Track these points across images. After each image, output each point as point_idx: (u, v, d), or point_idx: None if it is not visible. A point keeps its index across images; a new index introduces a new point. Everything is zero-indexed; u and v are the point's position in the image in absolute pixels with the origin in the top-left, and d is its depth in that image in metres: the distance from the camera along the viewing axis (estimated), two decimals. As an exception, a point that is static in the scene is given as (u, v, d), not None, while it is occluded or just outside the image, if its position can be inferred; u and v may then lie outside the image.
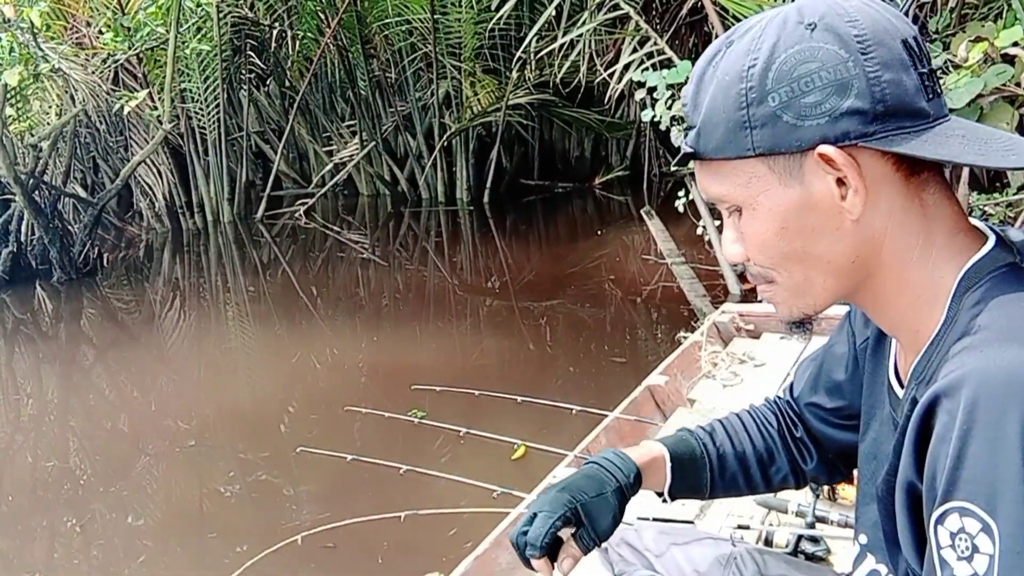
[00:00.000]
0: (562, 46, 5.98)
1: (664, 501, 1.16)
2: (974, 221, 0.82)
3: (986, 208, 4.47)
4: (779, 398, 1.22)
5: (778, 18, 0.77)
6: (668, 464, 1.14)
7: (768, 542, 1.62)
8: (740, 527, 1.70)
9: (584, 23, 5.61)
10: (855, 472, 1.06)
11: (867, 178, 0.76)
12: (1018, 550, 0.64)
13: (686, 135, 0.84)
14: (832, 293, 0.83)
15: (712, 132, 0.79)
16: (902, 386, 0.88)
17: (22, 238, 6.92)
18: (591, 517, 1.03)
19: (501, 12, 6.38)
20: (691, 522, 1.73)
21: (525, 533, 1.02)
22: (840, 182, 0.76)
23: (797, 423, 1.17)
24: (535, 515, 1.03)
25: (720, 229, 5.48)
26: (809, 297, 0.84)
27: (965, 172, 3.68)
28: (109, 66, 8.03)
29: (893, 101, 0.74)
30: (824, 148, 0.75)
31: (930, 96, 0.76)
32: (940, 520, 0.70)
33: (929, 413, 0.72)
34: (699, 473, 1.15)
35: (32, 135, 6.81)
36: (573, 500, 1.03)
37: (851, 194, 0.76)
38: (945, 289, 0.78)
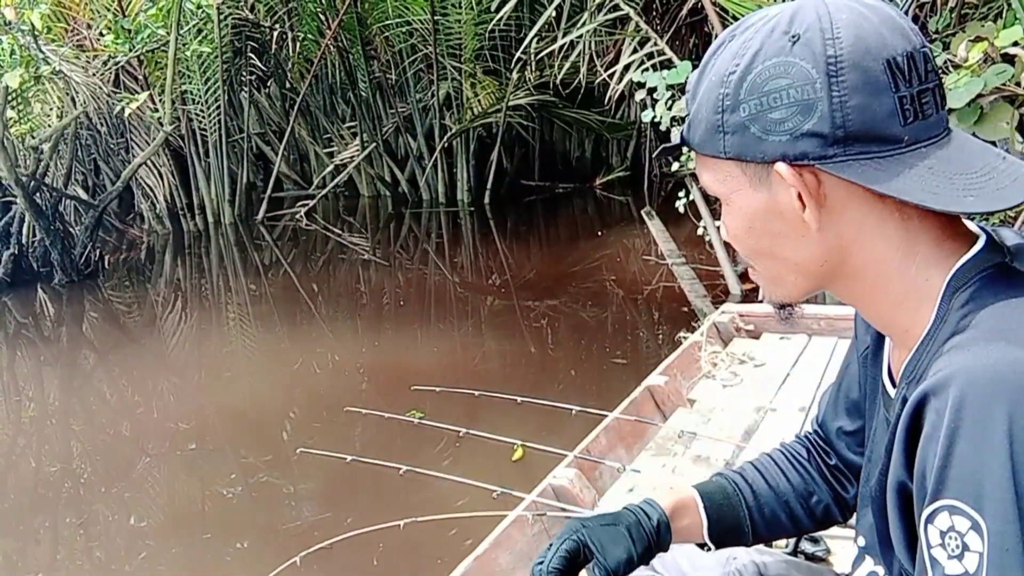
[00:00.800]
0: (562, 47, 5.99)
1: (708, 549, 1.13)
2: (967, 223, 0.82)
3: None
4: (808, 432, 1.19)
5: (772, 21, 0.77)
6: (700, 503, 1.11)
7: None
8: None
9: (584, 24, 5.61)
10: None
11: (831, 195, 0.77)
12: (1006, 547, 0.65)
13: (684, 121, 0.86)
14: (804, 289, 0.85)
15: (697, 127, 0.82)
16: (895, 386, 0.88)
17: (23, 240, 6.93)
18: (601, 546, 1.02)
19: (501, 13, 6.39)
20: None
21: (541, 563, 1.03)
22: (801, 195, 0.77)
23: (829, 451, 1.14)
24: (550, 546, 1.04)
25: (719, 229, 5.50)
26: (783, 288, 0.86)
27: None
28: (110, 68, 8.04)
29: (856, 127, 0.74)
30: (779, 166, 0.76)
31: (909, 119, 0.74)
32: (930, 519, 0.70)
33: (918, 412, 0.72)
34: (736, 512, 1.11)
35: (33, 137, 6.81)
36: (582, 527, 1.04)
37: (808, 210, 0.77)
38: (933, 290, 0.78)
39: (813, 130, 0.74)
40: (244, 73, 8.82)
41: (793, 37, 0.75)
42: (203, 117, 8.35)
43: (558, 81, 7.11)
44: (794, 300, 0.87)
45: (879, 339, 0.96)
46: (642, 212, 6.73)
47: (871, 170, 0.73)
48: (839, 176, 0.74)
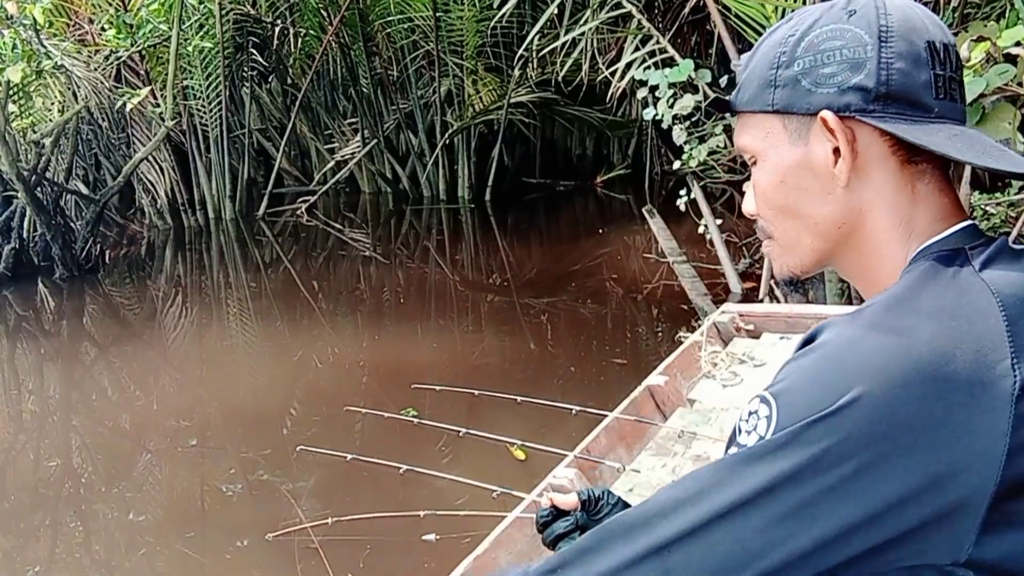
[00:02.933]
0: (564, 44, 5.98)
1: None
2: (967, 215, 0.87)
3: (987, 208, 4.47)
4: None
5: (830, 3, 0.87)
6: None
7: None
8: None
9: (586, 21, 5.60)
10: None
11: (862, 153, 0.83)
12: (786, 425, 0.71)
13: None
14: (818, 254, 0.90)
15: (748, 88, 0.89)
16: None
17: (24, 235, 6.93)
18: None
19: (503, 10, 6.37)
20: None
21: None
22: (837, 151, 0.83)
23: None
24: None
25: (720, 228, 5.44)
26: (797, 256, 0.91)
27: (967, 172, 3.67)
28: (112, 63, 8.04)
29: (897, 87, 0.82)
30: (825, 113, 0.83)
31: (940, 95, 0.82)
32: (748, 403, 0.77)
33: (807, 343, 0.79)
34: None
35: (35, 132, 6.81)
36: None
37: (841, 162, 0.83)
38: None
39: (859, 84, 0.82)
40: (246, 69, 8.82)
41: (850, 11, 0.84)
42: (204, 112, 8.34)
43: (560, 78, 7.10)
44: (805, 269, 0.92)
45: None
46: (643, 210, 6.72)
47: (905, 127, 0.81)
48: (878, 127, 0.81)
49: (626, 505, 1.16)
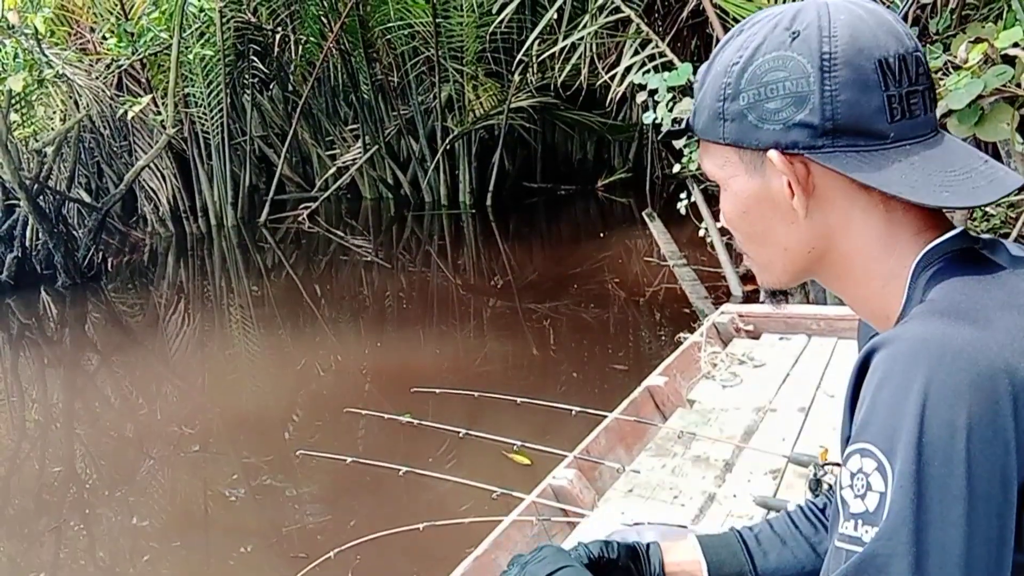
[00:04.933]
0: (563, 49, 5.99)
1: None
2: (953, 221, 0.84)
3: (987, 208, 4.47)
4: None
5: (776, 18, 0.81)
6: (696, 540, 1.12)
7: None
8: (739, 527, 1.69)
9: (585, 26, 5.62)
10: None
11: (819, 184, 0.80)
12: (905, 490, 0.68)
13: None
14: (792, 274, 0.88)
15: (701, 114, 0.86)
16: None
17: (27, 243, 6.95)
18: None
19: (503, 16, 6.39)
20: (684, 526, 1.72)
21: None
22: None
23: None
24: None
25: (721, 231, 5.42)
26: (772, 275, 0.90)
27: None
28: (113, 71, 8.06)
29: (844, 120, 0.77)
30: (771, 154, 0.80)
31: (896, 117, 0.78)
32: (846, 461, 0.73)
33: (863, 367, 0.75)
34: (734, 550, 1.11)
35: (36, 140, 6.84)
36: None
37: (796, 197, 0.81)
38: (907, 273, 0.81)
39: (804, 121, 0.78)
40: (247, 76, 8.84)
41: (793, 33, 0.79)
42: (206, 120, 8.37)
43: (559, 83, 7.12)
44: (783, 286, 0.91)
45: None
46: (644, 214, 6.73)
47: (856, 162, 0.77)
48: (825, 166, 0.78)
49: (630, 550, 1.10)
